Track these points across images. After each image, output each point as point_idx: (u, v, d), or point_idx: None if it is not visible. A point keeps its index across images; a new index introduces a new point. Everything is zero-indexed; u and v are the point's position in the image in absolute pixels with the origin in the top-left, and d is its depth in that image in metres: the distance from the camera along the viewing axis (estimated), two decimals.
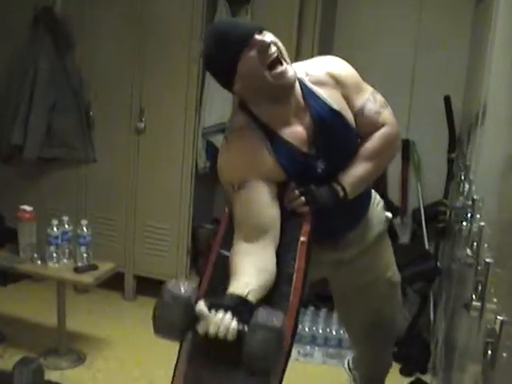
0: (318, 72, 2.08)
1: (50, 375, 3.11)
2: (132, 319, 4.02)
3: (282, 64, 1.90)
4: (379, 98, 2.13)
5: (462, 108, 3.96)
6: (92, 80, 4.12)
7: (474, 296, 1.57)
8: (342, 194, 2.06)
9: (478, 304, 1.54)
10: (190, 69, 3.90)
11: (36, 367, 2.89)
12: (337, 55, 2.17)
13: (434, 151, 4.07)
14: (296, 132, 2.01)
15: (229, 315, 1.73)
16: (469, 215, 2.24)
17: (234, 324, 1.73)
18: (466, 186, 2.61)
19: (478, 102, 3.01)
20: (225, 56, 1.88)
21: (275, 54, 1.88)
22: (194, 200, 4.09)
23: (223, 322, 1.72)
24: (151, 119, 4.01)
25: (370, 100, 2.10)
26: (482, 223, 1.87)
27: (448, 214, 3.87)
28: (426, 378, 3.44)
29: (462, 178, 2.96)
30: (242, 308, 1.76)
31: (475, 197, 2.23)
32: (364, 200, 2.30)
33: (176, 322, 1.75)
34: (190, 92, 3.93)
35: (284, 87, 1.94)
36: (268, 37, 1.88)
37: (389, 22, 4.10)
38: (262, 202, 1.97)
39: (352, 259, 2.30)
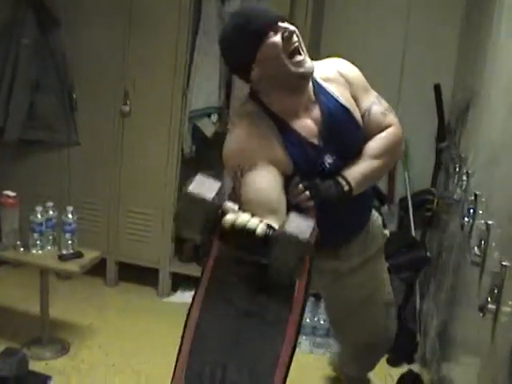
0: (328, 70, 2.12)
1: (34, 366, 3.03)
2: (115, 306, 3.96)
3: (300, 54, 1.92)
4: (384, 102, 2.18)
5: (450, 97, 3.93)
6: (76, 61, 4.00)
7: (489, 299, 1.54)
8: (346, 188, 2.04)
9: (494, 307, 1.52)
10: (178, 51, 3.82)
11: (20, 358, 2.82)
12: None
13: (422, 140, 4.04)
14: (305, 124, 2.01)
15: (257, 218, 1.74)
16: (471, 211, 2.22)
17: (264, 224, 1.73)
18: (464, 178, 2.58)
19: (476, 85, 3.00)
20: (248, 39, 1.89)
21: (297, 44, 1.91)
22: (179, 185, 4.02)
23: (252, 219, 1.73)
24: (136, 102, 3.92)
25: (376, 103, 2.15)
26: (490, 221, 1.84)
27: (435, 202, 3.86)
28: (414, 367, 3.45)
29: (457, 169, 2.94)
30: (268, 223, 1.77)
31: (477, 192, 2.20)
32: (366, 205, 2.31)
33: (205, 204, 1.69)
34: (178, 75, 3.85)
35: (302, 76, 1.95)
36: (290, 26, 1.91)
37: (378, 11, 4.04)
38: (270, 184, 1.93)
39: (351, 270, 2.28)
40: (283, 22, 1.90)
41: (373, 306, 2.45)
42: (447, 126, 3.89)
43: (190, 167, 4.17)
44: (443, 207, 3.75)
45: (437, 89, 3.80)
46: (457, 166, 2.94)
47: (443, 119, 3.87)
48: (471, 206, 2.22)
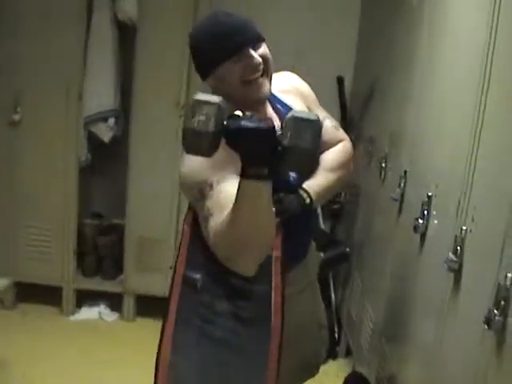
0: (283, 83, 2.06)
1: None
2: (19, 331, 3.64)
3: (262, 77, 1.80)
4: (332, 118, 2.17)
5: (351, 89, 3.97)
6: None
7: (495, 311, 1.53)
8: (308, 200, 1.96)
9: (501, 319, 1.52)
10: (72, 51, 3.55)
11: None
12: None
13: None
14: None
15: None
16: (425, 212, 2.22)
17: None
18: (400, 176, 2.58)
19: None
20: (209, 53, 1.78)
21: (258, 75, 1.79)
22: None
23: None
24: (28, 110, 3.60)
25: (327, 117, 2.12)
26: (464, 227, 1.84)
27: (343, 195, 3.89)
28: (340, 362, 3.48)
29: (383, 165, 2.95)
30: None
31: (429, 193, 2.20)
32: (312, 226, 2.24)
33: (215, 104, 1.43)
34: (72, 78, 3.58)
35: (256, 101, 1.84)
36: (262, 52, 1.79)
37: (278, 6, 3.97)
38: None
39: (296, 296, 2.17)
40: (254, 46, 1.78)
41: (310, 330, 2.37)
42: (350, 118, 3.92)
43: (88, 175, 3.92)
44: (353, 199, 3.79)
45: (340, 81, 3.82)
46: (382, 162, 2.95)
47: (346, 112, 3.89)
48: (425, 208, 2.23)
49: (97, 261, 4.01)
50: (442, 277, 1.97)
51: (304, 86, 2.13)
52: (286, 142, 1.39)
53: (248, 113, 1.48)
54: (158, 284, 3.81)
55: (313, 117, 1.43)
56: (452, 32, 2.19)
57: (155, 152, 3.65)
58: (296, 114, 1.43)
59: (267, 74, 1.82)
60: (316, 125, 1.42)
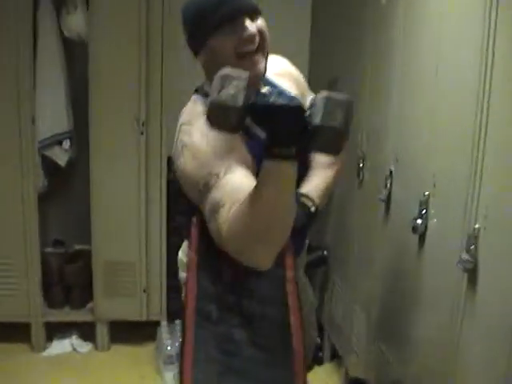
0: (276, 67, 1.94)
1: None
2: None
3: (257, 53, 1.71)
4: None
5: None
6: None
7: None
8: (313, 208, 1.88)
9: None
10: (22, 74, 3.35)
11: None
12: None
13: None
14: None
15: None
16: (423, 212, 2.18)
17: None
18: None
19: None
20: (200, 24, 1.69)
21: (253, 48, 1.69)
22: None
23: None
24: None
25: None
26: (477, 225, 1.80)
27: None
28: (326, 367, 3.42)
29: (360, 165, 2.90)
30: None
31: (426, 192, 2.16)
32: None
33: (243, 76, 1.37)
34: (24, 101, 3.38)
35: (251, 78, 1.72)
36: (258, 24, 1.69)
37: None
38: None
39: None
40: (251, 17, 1.68)
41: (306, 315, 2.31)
42: None
43: (44, 201, 3.73)
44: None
45: None
46: (359, 162, 2.90)
47: None
48: (424, 207, 2.18)
49: (64, 290, 3.82)
50: (453, 276, 1.94)
51: (295, 71, 2.04)
52: (316, 121, 1.30)
53: (276, 89, 1.40)
54: (130, 308, 3.67)
55: (344, 97, 1.34)
56: (432, 24, 2.16)
57: (117, 171, 3.49)
58: (327, 94, 1.34)
59: (263, 51, 1.71)
60: (348, 105, 1.33)
